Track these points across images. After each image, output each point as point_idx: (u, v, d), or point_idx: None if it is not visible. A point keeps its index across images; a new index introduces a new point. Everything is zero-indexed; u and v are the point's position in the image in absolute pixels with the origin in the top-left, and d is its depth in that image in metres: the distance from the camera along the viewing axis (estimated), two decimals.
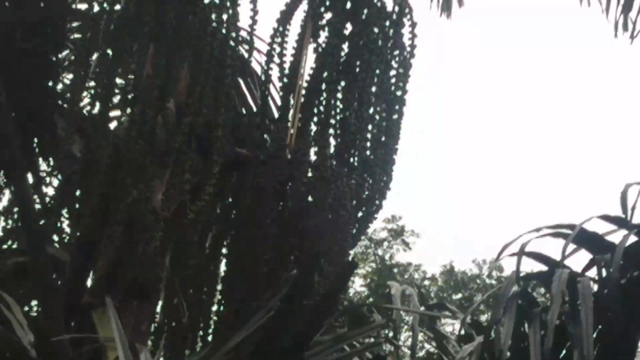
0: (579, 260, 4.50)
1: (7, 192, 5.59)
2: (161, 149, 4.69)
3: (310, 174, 4.65)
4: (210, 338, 4.98)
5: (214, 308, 5.17)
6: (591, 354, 3.97)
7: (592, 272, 4.42)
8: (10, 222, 5.61)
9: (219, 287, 5.12)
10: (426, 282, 15.87)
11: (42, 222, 5.00)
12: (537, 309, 4.40)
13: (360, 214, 4.79)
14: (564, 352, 4.29)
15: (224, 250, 5.17)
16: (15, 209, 5.53)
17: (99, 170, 4.52)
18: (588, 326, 4.05)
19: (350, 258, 4.64)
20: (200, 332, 5.09)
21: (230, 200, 5.39)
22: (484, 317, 5.05)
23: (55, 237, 5.36)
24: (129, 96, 4.55)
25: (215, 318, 5.10)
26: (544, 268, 4.52)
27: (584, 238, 4.47)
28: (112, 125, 4.97)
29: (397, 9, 5.01)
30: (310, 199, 4.59)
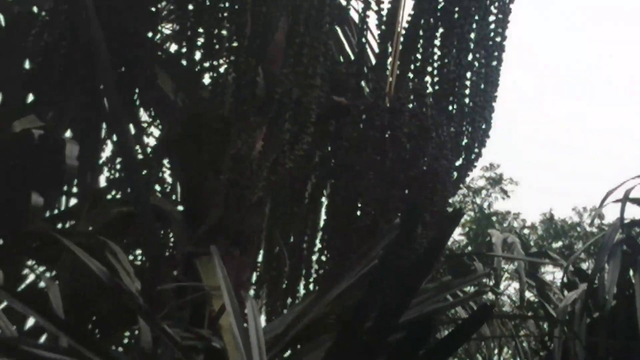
0: None
1: (109, 143, 5.69)
2: (262, 98, 4.80)
3: (409, 123, 4.67)
4: (311, 288, 5.08)
5: (315, 258, 5.27)
6: None
7: None
8: (113, 172, 5.72)
9: (319, 236, 5.22)
10: (525, 231, 15.70)
11: (144, 172, 5.12)
12: None
13: (459, 162, 4.80)
14: None
15: (323, 200, 5.24)
16: (118, 160, 5.65)
17: (202, 121, 4.64)
18: None
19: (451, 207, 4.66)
20: (302, 282, 5.20)
21: (329, 149, 5.46)
22: (584, 266, 5.01)
23: (157, 187, 5.49)
24: (231, 45, 4.62)
25: (316, 267, 5.20)
26: None
27: None
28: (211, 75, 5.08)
29: None
30: (409, 147, 4.61)
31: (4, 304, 3.42)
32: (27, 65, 5.33)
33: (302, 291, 5.07)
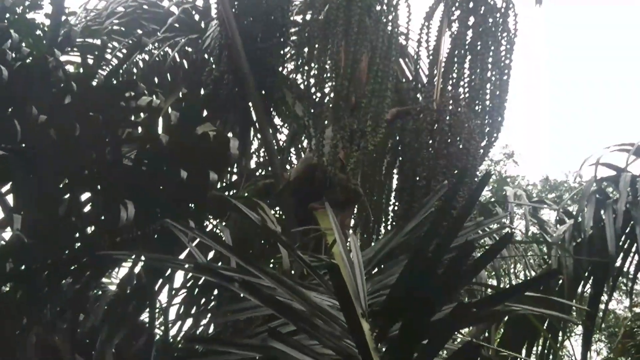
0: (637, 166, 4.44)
1: (256, 140, 5.77)
2: (351, 105, 4.82)
3: (449, 119, 4.67)
4: (389, 228, 5.08)
5: (390, 208, 5.28)
6: None
7: None
8: (259, 158, 5.81)
9: (393, 194, 5.22)
10: (529, 187, 15.43)
11: (278, 157, 5.17)
12: (610, 200, 4.36)
13: (483, 143, 4.79)
14: (628, 228, 4.25)
15: (395, 171, 5.25)
16: (262, 150, 5.72)
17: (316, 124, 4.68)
18: None
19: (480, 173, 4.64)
20: (382, 224, 5.21)
21: (397, 138, 5.47)
22: (571, 209, 4.94)
23: (288, 167, 5.54)
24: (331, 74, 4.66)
25: (391, 215, 5.21)
26: (613, 173, 4.47)
27: None
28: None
29: (504, 4, 4.93)
30: (450, 134, 4.62)
31: (197, 240, 3.46)
32: (202, 91, 5.43)
33: (383, 230, 5.08)
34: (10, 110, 3.56)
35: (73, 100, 3.65)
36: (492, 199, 6.04)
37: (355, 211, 5.06)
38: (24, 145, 3.58)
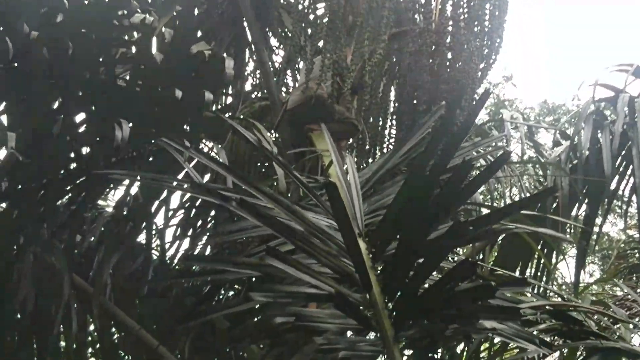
0: (636, 87, 4.41)
1: (251, 60, 5.70)
2: (350, 24, 4.75)
3: (449, 40, 4.61)
4: (385, 150, 5.08)
5: (387, 132, 5.26)
6: None
7: None
8: (255, 79, 5.75)
9: (390, 117, 5.20)
10: (527, 110, 15.29)
11: (274, 79, 5.11)
12: (607, 121, 4.34)
13: (482, 65, 4.74)
14: (625, 150, 4.24)
15: (392, 94, 5.21)
16: (257, 72, 5.66)
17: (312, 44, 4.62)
18: None
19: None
20: (379, 148, 5.21)
21: (394, 60, 5.40)
22: (569, 132, 4.90)
23: (284, 89, 5.49)
24: None
25: (388, 137, 5.20)
26: (612, 94, 4.44)
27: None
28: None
29: None
30: (450, 56, 4.56)
31: (193, 162, 3.45)
32: (196, 11, 5.33)
33: (379, 153, 5.07)
34: (0, 28, 3.49)
35: (65, 18, 3.59)
36: (490, 122, 5.99)
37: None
38: (16, 64, 3.54)
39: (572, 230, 4.78)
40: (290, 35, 4.92)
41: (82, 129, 3.70)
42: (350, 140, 4.95)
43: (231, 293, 4.41)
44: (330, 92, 4.49)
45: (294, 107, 4.55)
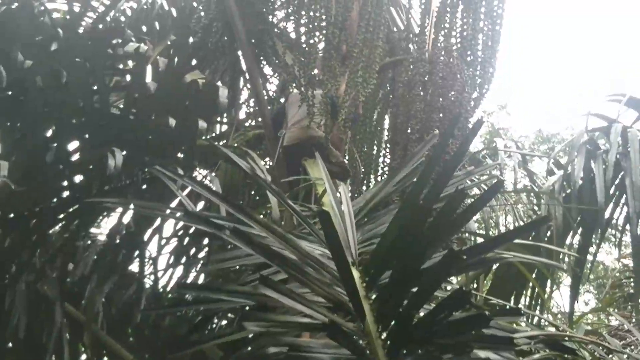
0: (629, 117, 4.46)
1: (245, 89, 5.73)
2: (343, 55, 4.79)
3: (442, 69, 4.65)
4: (379, 179, 5.10)
5: (381, 160, 5.29)
6: (638, 179, 3.95)
7: (639, 125, 4.40)
8: (249, 108, 5.78)
9: (384, 146, 5.23)
10: (522, 139, 15.25)
11: (269, 107, 5.14)
12: (600, 151, 4.36)
13: (475, 95, 4.78)
14: (618, 179, 4.26)
15: (386, 123, 5.25)
16: (252, 100, 5.68)
17: (305, 73, 4.65)
18: (635, 161, 4.02)
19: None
20: (373, 175, 5.23)
21: (388, 88, 5.45)
22: (562, 161, 4.91)
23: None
24: (321, 24, 4.62)
25: (382, 166, 5.23)
26: (605, 124, 4.47)
27: (632, 102, 4.40)
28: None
29: None
30: (443, 85, 4.60)
31: (188, 189, 3.45)
32: (191, 40, 5.38)
33: (373, 181, 5.09)
34: None
35: (59, 47, 3.61)
36: (484, 151, 6.01)
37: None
38: (10, 92, 3.55)
39: (567, 260, 4.78)
40: (284, 63, 4.95)
41: (75, 157, 3.70)
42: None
43: (224, 322, 4.39)
44: (325, 133, 4.52)
45: (290, 144, 4.57)
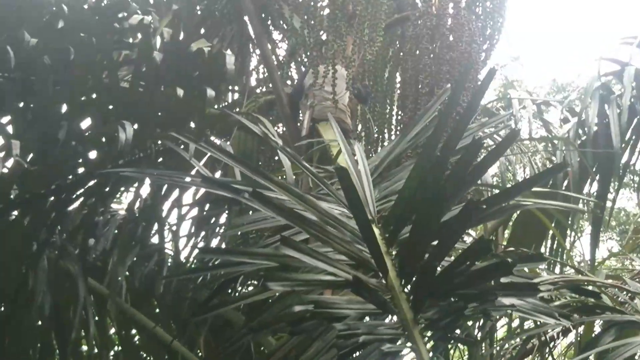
0: None
1: (254, 55, 5.71)
2: (348, 14, 4.76)
3: (450, 22, 4.60)
4: (393, 136, 5.08)
5: (394, 118, 5.27)
6: None
7: None
8: (259, 74, 5.77)
9: (396, 102, 5.20)
10: (536, 89, 15.00)
11: (279, 72, 5.12)
12: (614, 95, 4.32)
13: (485, 46, 4.74)
14: (634, 123, 4.23)
15: (397, 78, 5.21)
16: (261, 66, 5.67)
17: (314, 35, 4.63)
18: None
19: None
20: (386, 132, 5.21)
21: (397, 46, 5.41)
22: (577, 110, 4.83)
23: (288, 82, 5.50)
24: None
25: (394, 123, 5.21)
26: (617, 68, 4.42)
27: None
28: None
29: None
30: (451, 38, 4.56)
31: (204, 159, 3.47)
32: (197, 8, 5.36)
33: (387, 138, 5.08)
34: (2, 37, 3.51)
35: (65, 24, 3.61)
36: (498, 102, 5.96)
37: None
38: (19, 73, 3.56)
39: (587, 208, 4.77)
40: (291, 27, 4.92)
41: (87, 133, 3.72)
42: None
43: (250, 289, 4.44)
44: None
45: (319, 119, 4.55)
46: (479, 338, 4.12)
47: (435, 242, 2.11)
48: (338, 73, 4.54)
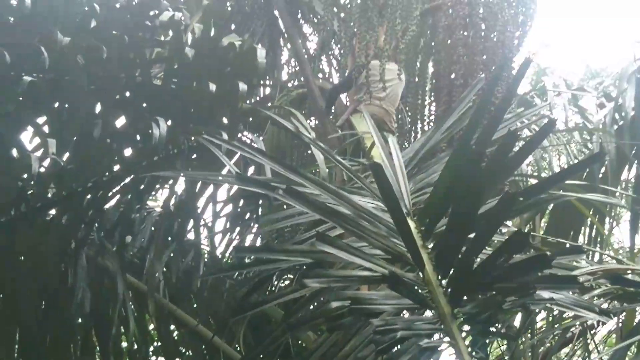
0: None
1: (285, 50, 5.70)
2: (379, 4, 4.71)
3: (482, 10, 4.55)
4: (426, 128, 5.03)
5: (426, 110, 5.21)
6: None
7: None
8: (291, 68, 5.76)
9: (429, 94, 5.15)
10: (570, 75, 14.72)
11: (310, 65, 5.10)
12: None
13: (518, 33, 4.66)
14: None
15: (430, 69, 5.16)
16: (292, 60, 5.66)
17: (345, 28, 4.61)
18: None
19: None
20: (420, 125, 5.17)
21: (429, 36, 5.35)
22: (614, 95, 4.73)
23: (320, 75, 5.49)
24: None
25: (428, 115, 5.16)
26: None
27: None
28: None
29: None
30: (484, 27, 4.50)
31: (237, 154, 3.47)
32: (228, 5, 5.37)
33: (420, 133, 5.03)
34: (36, 39, 3.54)
35: (98, 23, 3.63)
36: (531, 92, 5.87)
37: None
38: (53, 74, 3.58)
39: (625, 195, 4.68)
40: (322, 20, 4.91)
41: (122, 131, 3.75)
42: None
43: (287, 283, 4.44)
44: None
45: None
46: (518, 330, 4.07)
47: (472, 235, 2.08)
48: (391, 71, 4.49)
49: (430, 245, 2.21)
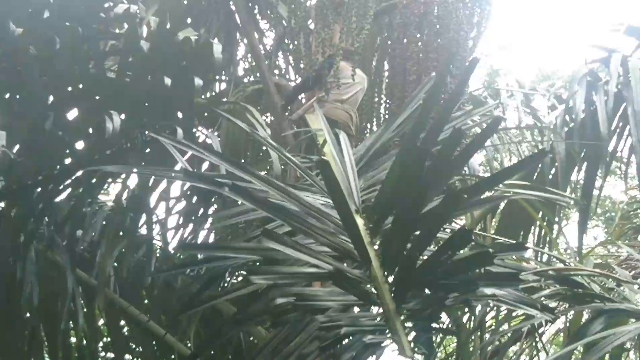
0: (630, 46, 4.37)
1: (241, 44, 5.68)
2: (335, 2, 4.72)
3: (437, 9, 4.59)
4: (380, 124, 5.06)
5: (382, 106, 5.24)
6: (639, 107, 3.91)
7: (638, 54, 4.32)
8: (246, 64, 5.75)
9: (383, 91, 5.18)
10: (523, 78, 14.92)
11: (265, 62, 5.09)
12: (601, 82, 4.30)
13: (473, 34, 4.72)
14: (620, 110, 4.20)
15: (386, 67, 5.18)
16: (249, 55, 5.64)
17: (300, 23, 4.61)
18: (637, 89, 3.96)
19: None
20: (375, 123, 5.20)
21: (385, 35, 5.38)
22: (564, 97, 4.80)
23: (276, 71, 5.48)
24: None
25: (382, 112, 5.19)
26: (604, 55, 4.39)
27: (632, 31, 4.33)
28: None
29: None
30: (439, 26, 4.55)
31: (189, 154, 3.46)
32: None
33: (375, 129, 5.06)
34: None
35: (51, 13, 3.58)
36: (485, 91, 5.94)
37: None
38: (5, 64, 3.53)
39: (574, 196, 4.75)
40: (278, 16, 4.90)
41: (74, 123, 3.70)
42: None
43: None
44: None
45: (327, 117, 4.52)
46: (468, 328, 4.13)
47: (417, 232, 2.10)
48: (358, 75, 4.51)
49: (378, 242, 2.22)
